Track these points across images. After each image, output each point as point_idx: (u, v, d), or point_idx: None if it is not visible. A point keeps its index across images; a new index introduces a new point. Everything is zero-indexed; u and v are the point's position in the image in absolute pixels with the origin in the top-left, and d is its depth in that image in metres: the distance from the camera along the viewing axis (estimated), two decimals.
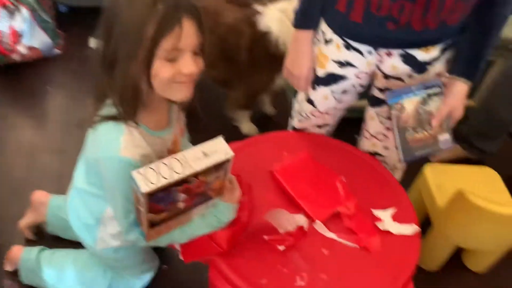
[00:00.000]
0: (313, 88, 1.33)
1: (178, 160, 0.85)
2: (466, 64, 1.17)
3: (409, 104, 1.19)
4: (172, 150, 1.06)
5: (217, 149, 0.89)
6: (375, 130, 1.37)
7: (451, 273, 1.67)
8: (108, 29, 0.86)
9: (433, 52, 1.16)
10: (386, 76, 1.24)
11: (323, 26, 1.23)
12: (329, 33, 1.22)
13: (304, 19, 1.22)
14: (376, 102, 1.32)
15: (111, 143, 0.92)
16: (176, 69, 0.87)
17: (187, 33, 0.85)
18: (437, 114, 1.20)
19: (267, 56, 1.71)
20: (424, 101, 1.20)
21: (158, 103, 0.97)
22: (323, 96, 1.32)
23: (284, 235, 1.11)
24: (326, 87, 1.30)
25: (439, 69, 1.21)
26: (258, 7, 1.74)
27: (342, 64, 1.24)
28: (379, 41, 1.16)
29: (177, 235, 1.02)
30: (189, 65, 0.88)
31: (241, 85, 1.87)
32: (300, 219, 1.15)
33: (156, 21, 0.81)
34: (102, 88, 0.94)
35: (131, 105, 0.91)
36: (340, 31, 1.19)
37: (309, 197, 1.20)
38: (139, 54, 0.84)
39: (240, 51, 1.73)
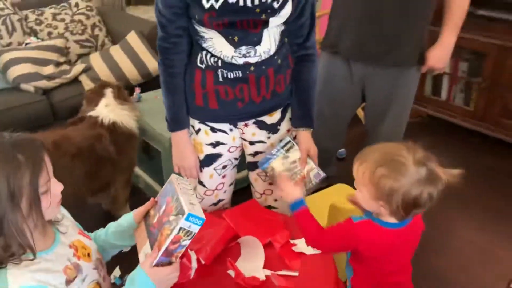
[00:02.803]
0: (200, 171, 1.55)
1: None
2: (301, 118, 1.53)
3: (276, 163, 1.51)
4: (80, 256, 1.12)
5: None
6: (262, 188, 1.65)
7: None
8: None
9: (276, 115, 1.51)
10: (252, 143, 1.55)
11: (190, 121, 1.49)
12: (196, 124, 1.49)
13: (177, 123, 1.46)
14: (254, 166, 1.62)
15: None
16: (52, 194, 1.01)
17: (48, 165, 1.01)
18: (300, 160, 1.52)
19: (122, 137, 2.16)
20: (285, 156, 1.52)
21: (39, 228, 1.05)
22: (209, 175, 1.56)
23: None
24: (209, 167, 1.55)
25: (287, 127, 1.56)
26: (91, 113, 2.17)
27: (214, 144, 1.51)
28: (235, 118, 1.47)
29: None
30: (59, 184, 1.05)
31: (119, 175, 2.21)
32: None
33: (26, 168, 0.94)
34: None
35: (22, 247, 0.97)
36: (204, 119, 1.47)
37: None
38: (22, 203, 0.95)
39: (108, 148, 2.09)
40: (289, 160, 1.52)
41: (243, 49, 1.31)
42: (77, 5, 3.23)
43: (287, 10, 1.30)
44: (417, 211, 1.18)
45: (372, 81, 2.05)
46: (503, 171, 2.81)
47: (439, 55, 1.98)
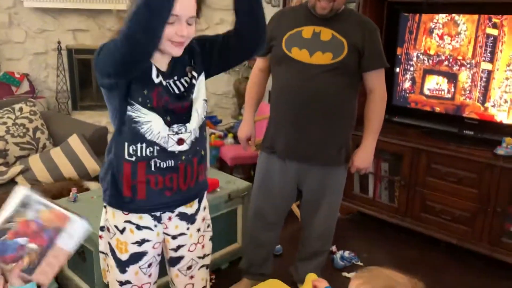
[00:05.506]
0: (124, 271, 1.56)
1: None
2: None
3: None
4: None
5: (14, 194, 1.08)
6: (183, 284, 1.68)
7: None
8: None
9: (194, 205, 1.62)
10: (174, 237, 1.61)
11: (113, 221, 1.53)
12: (121, 224, 1.52)
13: None
14: (175, 261, 1.66)
15: None
16: None
17: None
18: None
19: None
20: None
21: None
22: (134, 272, 1.57)
23: None
24: (134, 265, 1.56)
25: (202, 217, 1.67)
26: None
27: (139, 243, 1.55)
28: (161, 207, 1.54)
29: None
30: None
31: None
32: None
33: None
34: None
35: None
36: (129, 211, 1.52)
37: None
38: None
39: None
40: None
41: (175, 127, 1.46)
42: (21, 109, 3.33)
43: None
44: None
45: (305, 177, 2.26)
46: (427, 263, 2.98)
47: (363, 157, 2.26)
